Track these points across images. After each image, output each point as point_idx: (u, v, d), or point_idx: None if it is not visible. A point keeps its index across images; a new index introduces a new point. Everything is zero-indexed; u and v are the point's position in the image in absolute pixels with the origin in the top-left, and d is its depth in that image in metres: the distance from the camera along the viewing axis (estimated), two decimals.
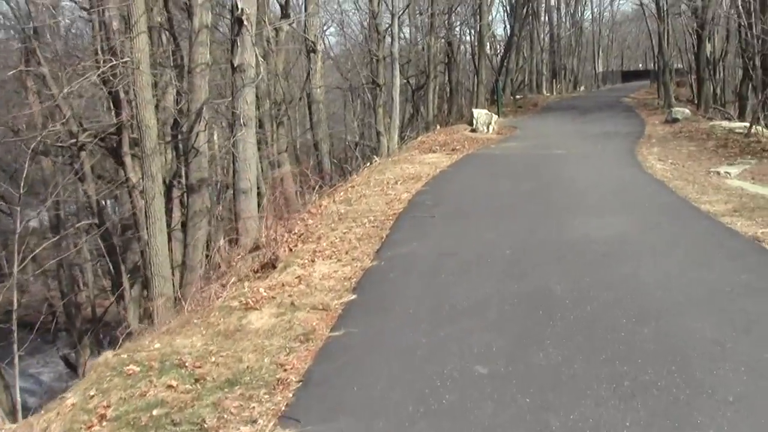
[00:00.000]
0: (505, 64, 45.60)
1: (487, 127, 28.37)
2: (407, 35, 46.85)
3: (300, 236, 12.59)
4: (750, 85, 31.76)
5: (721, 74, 39.55)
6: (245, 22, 14.77)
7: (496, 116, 30.99)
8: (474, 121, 28.70)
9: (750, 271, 8.37)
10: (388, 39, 32.08)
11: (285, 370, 6.87)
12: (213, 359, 7.31)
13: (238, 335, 8.02)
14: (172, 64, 25.02)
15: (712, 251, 9.52)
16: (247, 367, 7.02)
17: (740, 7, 30.84)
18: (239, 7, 14.74)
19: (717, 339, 6.47)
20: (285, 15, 33.02)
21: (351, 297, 8.83)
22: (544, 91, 55.80)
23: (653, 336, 6.65)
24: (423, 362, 6.60)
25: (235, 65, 15.04)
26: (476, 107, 33.18)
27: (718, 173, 17.73)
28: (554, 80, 58.97)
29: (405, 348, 6.99)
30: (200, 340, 7.96)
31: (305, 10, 32.90)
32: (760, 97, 27.74)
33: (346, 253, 11.09)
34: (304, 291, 9.37)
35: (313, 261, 10.86)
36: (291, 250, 11.86)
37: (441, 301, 8.16)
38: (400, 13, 33.56)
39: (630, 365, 6.08)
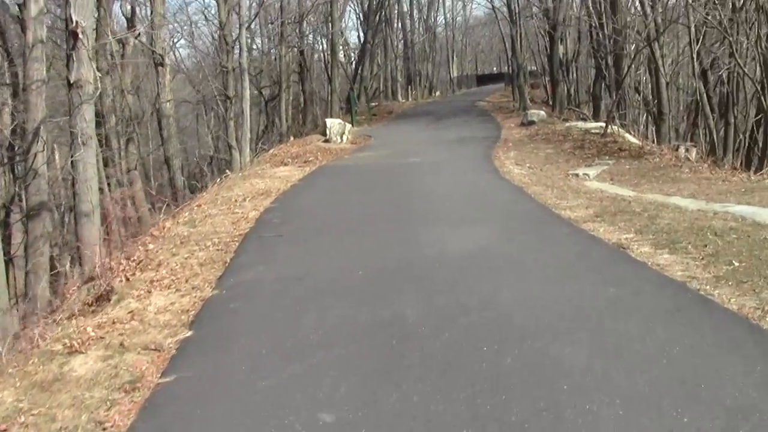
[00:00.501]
0: (359, 71, 45.04)
1: (341, 137, 27.73)
2: (260, 45, 45.95)
3: (139, 263, 11.41)
4: (603, 85, 32.19)
5: (575, 75, 40.12)
6: (80, 36, 13.66)
7: (350, 125, 30.42)
8: (327, 132, 28.04)
9: (617, 284, 7.74)
10: (237, 49, 31.04)
11: (104, 429, 5.79)
12: (22, 419, 6.12)
13: (57, 386, 6.84)
14: (7, 82, 23.64)
15: (576, 263, 8.88)
16: (60, 428, 5.90)
17: (591, 8, 31.25)
18: (73, 19, 13.62)
19: (587, 367, 5.71)
20: (131, 27, 31.72)
21: (187, 333, 7.75)
22: (400, 98, 55.71)
23: (518, 366, 5.85)
24: (261, 412, 5.60)
25: (72, 81, 13.98)
26: (331, 117, 32.53)
27: (577, 175, 17.44)
28: (409, 86, 59.03)
29: (242, 395, 5.99)
30: (11, 395, 6.73)
31: (152, 21, 31.71)
32: (613, 96, 27.98)
33: (186, 281, 9.98)
34: (137, 328, 8.23)
35: (149, 292, 9.73)
36: (128, 279, 10.68)
37: (286, 335, 7.18)
38: (248, 23, 32.62)
39: (493, 404, 5.23)
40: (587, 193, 14.42)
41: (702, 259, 8.49)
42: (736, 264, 8.12)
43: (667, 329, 6.34)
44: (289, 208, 14.73)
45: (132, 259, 11.66)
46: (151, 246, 12.54)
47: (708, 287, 7.43)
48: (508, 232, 10.84)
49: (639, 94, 33.64)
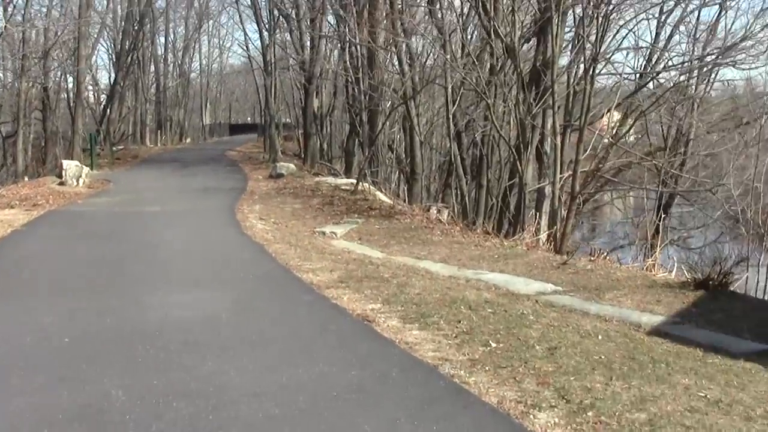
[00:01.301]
0: (107, 113, 42.62)
1: (77, 180, 25.54)
2: (1, 77, 42.69)
3: None
4: (357, 141, 31.79)
5: (329, 129, 39.68)
6: None
7: (89, 168, 28.19)
8: (63, 174, 25.73)
9: (361, 366, 6.55)
10: None
11: None
12: None
13: None
14: None
15: (316, 337, 7.60)
16: None
17: (348, 62, 30.83)
18: None
19: None
20: None
21: None
22: (149, 143, 53.65)
23: None
24: None
25: None
26: (72, 158, 30.14)
27: (324, 233, 16.38)
28: (159, 131, 56.99)
29: None
30: None
31: None
32: (366, 153, 27.45)
33: None
34: None
35: None
36: None
37: None
38: None
39: None
40: (333, 253, 13.29)
41: (455, 337, 7.47)
42: (494, 345, 7.15)
43: (417, 428, 5.18)
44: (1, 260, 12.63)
45: None
46: None
47: (463, 373, 6.38)
48: (242, 297, 9.42)
49: (392, 152, 33.41)
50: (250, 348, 7.19)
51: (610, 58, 23.44)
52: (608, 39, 21.70)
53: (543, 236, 17.81)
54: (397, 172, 33.54)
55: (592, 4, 19.37)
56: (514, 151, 21.18)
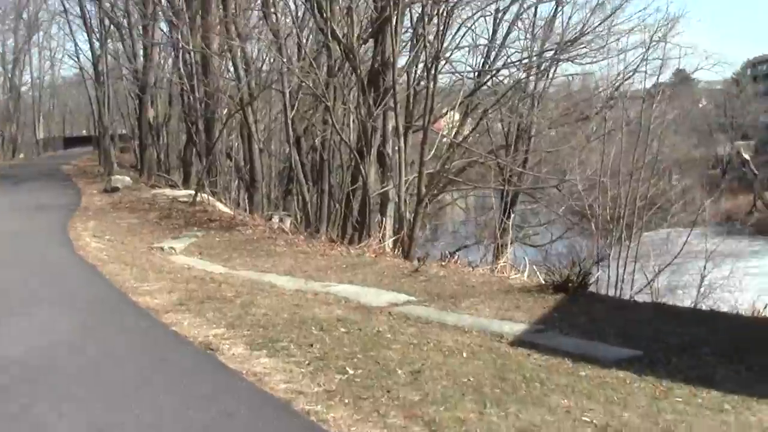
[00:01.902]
0: None
1: None
2: None
3: None
4: (194, 150, 30.69)
5: (165, 139, 38.35)
6: None
7: None
8: None
9: (204, 405, 5.79)
10: None
11: None
12: None
13: None
14: None
15: (153, 373, 6.75)
16: None
17: (182, 70, 29.76)
18: None
19: None
20: None
21: None
22: None
23: None
24: None
25: None
26: None
27: (162, 249, 15.46)
28: None
29: None
30: None
31: None
32: (204, 162, 26.44)
33: None
34: None
35: None
36: None
37: None
38: None
39: None
40: (172, 271, 12.36)
41: (308, 364, 6.77)
42: (351, 371, 6.51)
43: None
44: None
45: None
46: None
47: (319, 407, 5.70)
48: (71, 329, 8.38)
49: (231, 160, 32.37)
50: (77, 388, 6.30)
51: (449, 57, 23.29)
52: (448, 37, 21.49)
53: (389, 242, 17.30)
54: (237, 181, 32.54)
55: (431, 1, 19.10)
56: (356, 154, 20.66)
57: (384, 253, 15.62)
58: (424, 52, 19.38)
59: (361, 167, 19.91)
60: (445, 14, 19.32)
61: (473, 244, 28.94)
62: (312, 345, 7.32)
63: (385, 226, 18.81)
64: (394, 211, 19.70)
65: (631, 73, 24.85)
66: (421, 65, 21.95)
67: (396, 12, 18.51)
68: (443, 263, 13.77)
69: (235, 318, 8.58)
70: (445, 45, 20.42)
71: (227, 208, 22.10)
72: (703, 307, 17.02)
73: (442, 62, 20.96)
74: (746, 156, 65.62)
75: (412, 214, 18.30)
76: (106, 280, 11.42)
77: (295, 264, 13.80)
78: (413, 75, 23.08)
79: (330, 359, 6.86)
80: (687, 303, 19.14)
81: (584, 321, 8.99)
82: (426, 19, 19.18)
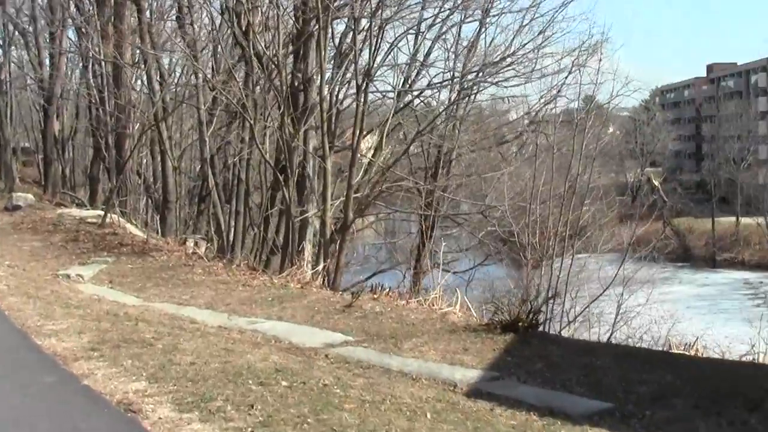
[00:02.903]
0: None
1: None
2: None
3: None
4: (102, 166, 29.28)
5: (72, 154, 36.79)
6: None
7: None
8: None
9: None
10: None
11: None
12: None
13: None
14: None
15: None
16: None
17: (91, 81, 28.49)
18: None
19: None
20: None
21: None
22: None
23: None
24: None
25: None
26: None
27: (69, 276, 14.30)
28: None
29: None
30: None
31: None
32: (114, 180, 25.07)
33: None
34: None
35: None
36: None
37: None
38: None
39: None
40: (81, 305, 11.11)
41: (251, 431, 5.77)
42: None
43: None
44: None
45: None
46: None
47: None
48: None
49: (140, 178, 30.96)
50: None
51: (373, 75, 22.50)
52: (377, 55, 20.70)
53: (314, 271, 16.29)
54: (146, 200, 31.11)
55: (355, 17, 18.33)
56: (279, 173, 19.62)
57: (310, 283, 14.69)
58: (352, 68, 18.59)
59: (284, 189, 18.88)
60: (377, 29, 18.46)
61: (389, 269, 28.17)
62: (252, 406, 6.24)
63: (305, 254, 17.79)
64: (313, 237, 18.76)
65: (552, 98, 24.41)
66: (347, 84, 21.17)
67: (319, 26, 17.70)
68: (375, 296, 12.96)
69: (158, 368, 7.42)
70: (376, 62, 19.62)
71: (139, 231, 20.80)
72: (622, 336, 17.68)
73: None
74: (656, 183, 66.90)
75: (339, 242, 17.37)
76: (5, 317, 9.96)
77: (215, 295, 12.81)
78: (335, 93, 22.20)
79: (276, 424, 5.83)
80: (604, 330, 18.93)
81: (541, 367, 8.37)
82: (354, 35, 18.36)
